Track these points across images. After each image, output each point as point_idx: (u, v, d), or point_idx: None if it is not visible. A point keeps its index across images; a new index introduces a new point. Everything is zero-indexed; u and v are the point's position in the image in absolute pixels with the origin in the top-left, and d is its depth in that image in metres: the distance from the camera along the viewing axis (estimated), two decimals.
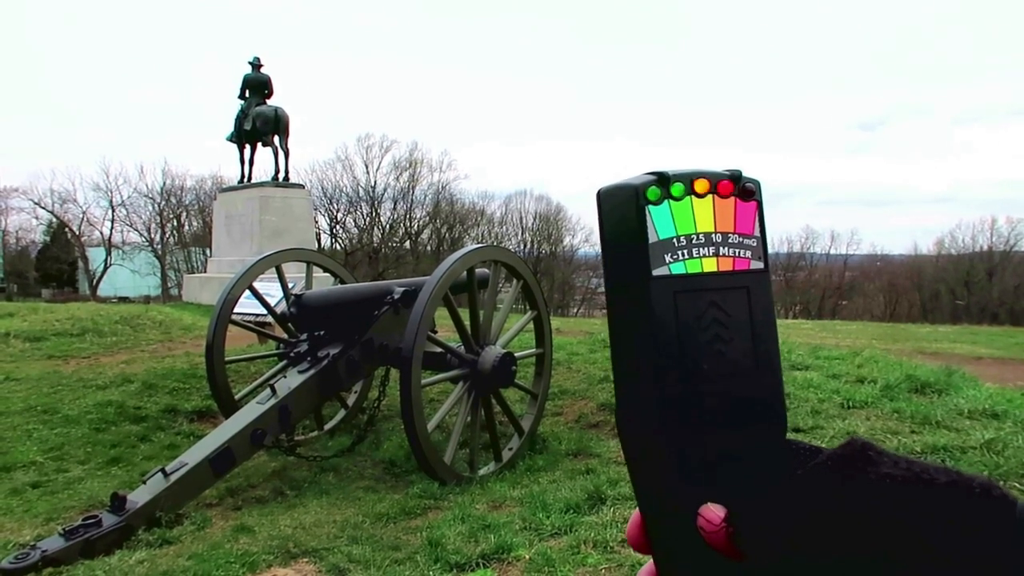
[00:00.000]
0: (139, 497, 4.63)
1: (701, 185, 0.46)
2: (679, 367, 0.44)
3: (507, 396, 5.93)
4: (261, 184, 19.77)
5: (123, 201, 41.16)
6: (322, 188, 42.12)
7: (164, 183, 41.71)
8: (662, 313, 0.44)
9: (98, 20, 79.23)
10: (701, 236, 0.46)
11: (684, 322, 0.45)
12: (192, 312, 15.26)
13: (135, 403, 6.98)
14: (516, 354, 5.75)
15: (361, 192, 42.99)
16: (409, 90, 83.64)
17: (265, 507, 5.07)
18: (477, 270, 5.64)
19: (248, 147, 20.01)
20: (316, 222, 34.13)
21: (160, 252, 41.72)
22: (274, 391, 5.37)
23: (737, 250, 0.47)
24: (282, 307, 6.54)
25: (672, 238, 0.45)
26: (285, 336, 6.61)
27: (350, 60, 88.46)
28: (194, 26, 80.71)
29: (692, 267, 0.46)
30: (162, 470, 4.79)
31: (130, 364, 8.67)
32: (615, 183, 0.47)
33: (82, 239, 42.05)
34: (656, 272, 0.45)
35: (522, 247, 43.72)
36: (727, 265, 0.47)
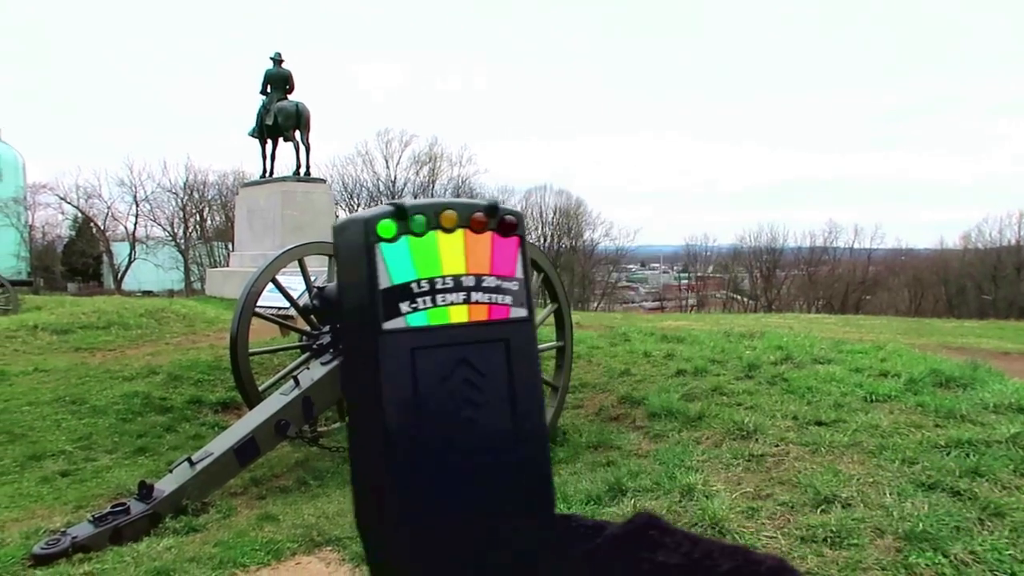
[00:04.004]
0: (166, 486, 4.70)
1: (448, 218, 0.39)
2: (418, 442, 0.36)
3: None
4: (283, 179, 19.92)
5: (147, 196, 41.67)
6: (343, 183, 42.39)
7: (187, 178, 42.17)
8: (395, 375, 0.36)
9: (122, 17, 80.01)
10: (448, 280, 0.39)
11: (425, 385, 0.37)
12: (215, 305, 15.43)
13: (161, 394, 7.08)
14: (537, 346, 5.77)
15: (381, 187, 43.16)
16: (430, 85, 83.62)
17: (289, 496, 5.14)
18: None
19: (270, 142, 20.16)
20: (337, 216, 34.32)
21: (183, 247, 42.15)
22: (297, 382, 5.42)
23: (494, 296, 0.40)
24: (305, 300, 6.60)
25: (411, 283, 0.38)
26: (308, 328, 6.66)
27: (370, 55, 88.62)
28: (216, 22, 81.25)
29: (436, 318, 0.38)
30: (188, 459, 4.86)
31: (155, 356, 8.80)
32: (348, 216, 0.40)
33: (107, 234, 42.58)
34: (388, 325, 0.37)
35: (542, 241, 43.67)
36: (481, 314, 0.39)
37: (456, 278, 0.40)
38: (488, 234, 0.40)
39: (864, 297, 44.36)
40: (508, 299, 0.41)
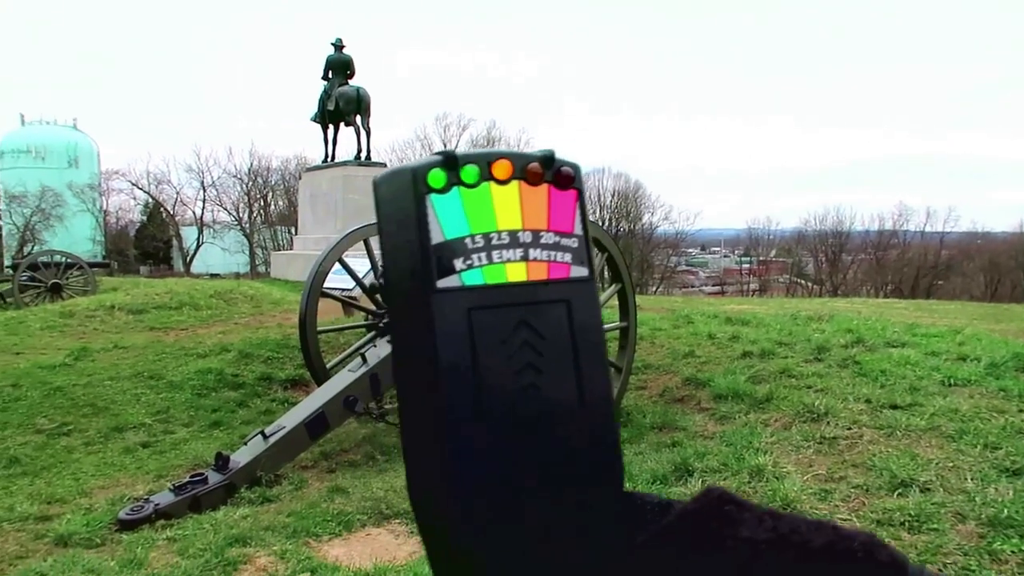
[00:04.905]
0: (241, 457, 4.86)
1: (502, 169, 0.36)
2: (476, 410, 0.34)
3: None
4: (344, 163, 20.24)
5: (213, 182, 42.95)
6: None
7: (251, 164, 43.26)
8: (451, 337, 0.34)
9: (189, 7, 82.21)
10: (504, 235, 0.36)
11: (483, 349, 0.35)
12: (280, 287, 15.82)
13: (233, 371, 7.31)
14: None
15: None
16: (490, 71, 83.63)
17: (358, 470, 5.25)
18: None
19: (331, 127, 20.49)
20: None
21: (248, 231, 43.30)
22: (365, 359, 5.52)
23: (553, 253, 0.37)
24: (370, 279, 6.71)
25: (464, 238, 0.35)
26: (373, 308, 6.78)
27: (430, 39, 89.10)
28: (279, 10, 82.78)
29: (492, 276, 0.36)
30: (261, 432, 5.02)
31: (226, 335, 9.08)
32: (393, 167, 0.37)
33: (176, 218, 44.07)
34: (443, 283, 0.35)
35: (600, 224, 43.39)
36: (540, 273, 0.37)
37: (512, 234, 0.37)
38: (544, 187, 0.38)
39: (936, 282, 42.74)
40: (568, 257, 0.38)
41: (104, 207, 43.44)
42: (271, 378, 7.28)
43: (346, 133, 20.52)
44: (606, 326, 6.08)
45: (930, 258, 44.03)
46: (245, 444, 5.04)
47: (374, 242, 7.02)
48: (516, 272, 0.37)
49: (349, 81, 20.13)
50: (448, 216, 0.35)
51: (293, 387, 7.22)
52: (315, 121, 20.77)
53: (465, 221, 0.36)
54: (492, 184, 0.36)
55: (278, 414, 5.94)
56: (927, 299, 29.26)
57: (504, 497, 0.34)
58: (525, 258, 0.37)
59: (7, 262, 27.21)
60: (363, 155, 20.14)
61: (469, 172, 0.36)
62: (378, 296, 6.62)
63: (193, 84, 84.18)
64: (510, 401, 0.35)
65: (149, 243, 45.63)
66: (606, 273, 6.23)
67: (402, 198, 0.36)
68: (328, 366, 6.53)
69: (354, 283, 6.97)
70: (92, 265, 17.27)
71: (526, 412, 0.35)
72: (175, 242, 44.61)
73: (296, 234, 24.10)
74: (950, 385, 5.17)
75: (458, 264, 0.35)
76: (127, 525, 4.28)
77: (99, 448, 5.82)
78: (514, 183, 0.37)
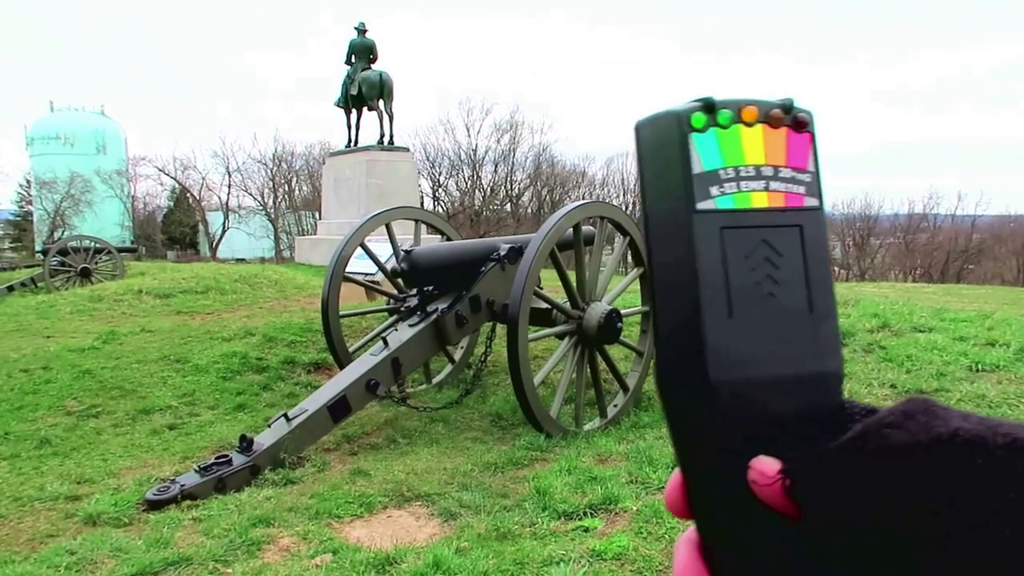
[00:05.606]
0: (265, 439, 4.92)
1: (750, 113, 0.43)
2: (726, 310, 0.41)
3: (612, 354, 5.92)
4: (367, 148, 20.26)
5: (238, 167, 43.22)
6: (425, 152, 42.74)
7: (275, 149, 43.46)
8: (707, 250, 0.41)
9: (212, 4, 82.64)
10: (750, 169, 0.43)
11: (732, 261, 0.42)
12: (305, 272, 15.95)
13: (257, 355, 7.39)
14: (622, 311, 5.72)
15: (463, 155, 43.42)
16: (513, 52, 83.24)
17: (379, 453, 5.30)
18: (583, 227, 5.61)
19: (354, 112, 20.51)
20: (419, 185, 34.75)
21: (273, 216, 43.63)
22: (386, 343, 5.56)
23: (789, 185, 0.44)
24: (392, 263, 6.74)
25: (718, 170, 0.42)
26: (395, 293, 6.81)
27: (453, 22, 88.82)
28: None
29: (740, 202, 0.43)
30: (285, 415, 5.07)
31: (250, 319, 9.17)
32: (655, 112, 0.44)
33: (202, 204, 44.50)
34: (701, 206, 0.42)
35: (624, 209, 43.08)
36: (778, 201, 0.43)
37: (757, 167, 0.43)
38: (784, 129, 0.44)
39: (966, 266, 41.96)
40: (802, 189, 0.44)
41: (132, 193, 43.99)
42: (294, 362, 7.36)
43: (369, 117, 20.55)
44: (629, 310, 6.06)
45: (961, 242, 43.18)
46: (269, 427, 5.09)
47: (396, 226, 7.05)
48: (759, 199, 0.43)
49: (372, 65, 20.12)
50: (705, 151, 0.42)
51: (316, 371, 7.29)
52: (338, 106, 20.82)
53: (719, 156, 0.43)
54: (742, 126, 0.43)
55: (301, 397, 6.00)
56: (957, 283, 28.76)
57: (746, 388, 0.40)
58: (766, 188, 0.43)
59: (38, 247, 27.73)
60: (386, 140, 20.15)
61: (724, 115, 0.43)
62: (399, 280, 6.65)
63: (217, 70, 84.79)
64: (754, 306, 0.42)
65: (176, 228, 46.20)
66: (629, 258, 6.20)
67: (667, 136, 0.43)
68: (350, 350, 6.59)
69: (376, 267, 7.02)
70: (120, 250, 17.52)
71: (765, 315, 0.42)
72: (201, 227, 45.08)
73: (320, 219, 24.25)
74: (978, 371, 5.09)
75: (713, 191, 0.42)
76: (154, 505, 4.36)
77: (127, 430, 5.93)
78: (759, 126, 0.43)
